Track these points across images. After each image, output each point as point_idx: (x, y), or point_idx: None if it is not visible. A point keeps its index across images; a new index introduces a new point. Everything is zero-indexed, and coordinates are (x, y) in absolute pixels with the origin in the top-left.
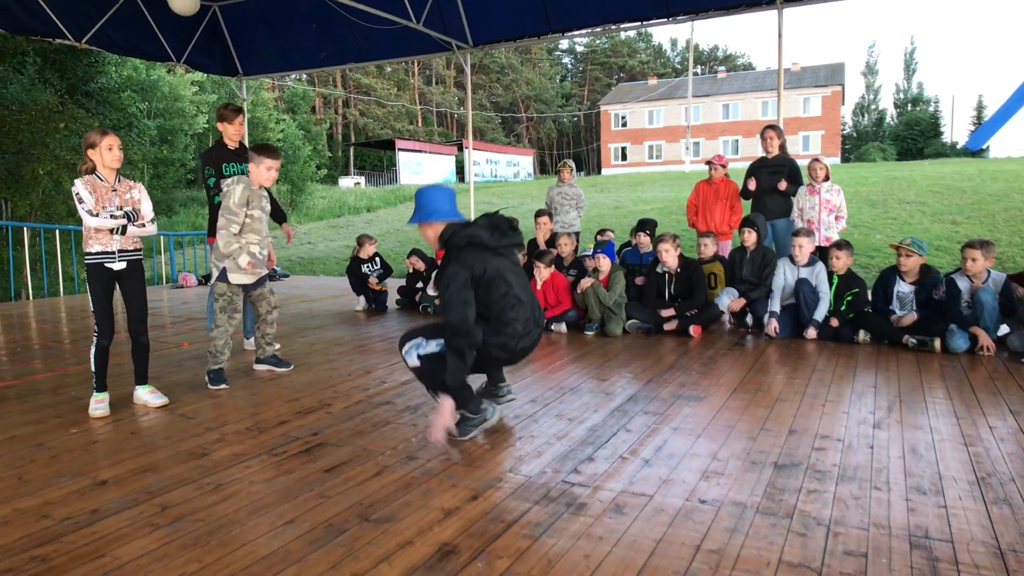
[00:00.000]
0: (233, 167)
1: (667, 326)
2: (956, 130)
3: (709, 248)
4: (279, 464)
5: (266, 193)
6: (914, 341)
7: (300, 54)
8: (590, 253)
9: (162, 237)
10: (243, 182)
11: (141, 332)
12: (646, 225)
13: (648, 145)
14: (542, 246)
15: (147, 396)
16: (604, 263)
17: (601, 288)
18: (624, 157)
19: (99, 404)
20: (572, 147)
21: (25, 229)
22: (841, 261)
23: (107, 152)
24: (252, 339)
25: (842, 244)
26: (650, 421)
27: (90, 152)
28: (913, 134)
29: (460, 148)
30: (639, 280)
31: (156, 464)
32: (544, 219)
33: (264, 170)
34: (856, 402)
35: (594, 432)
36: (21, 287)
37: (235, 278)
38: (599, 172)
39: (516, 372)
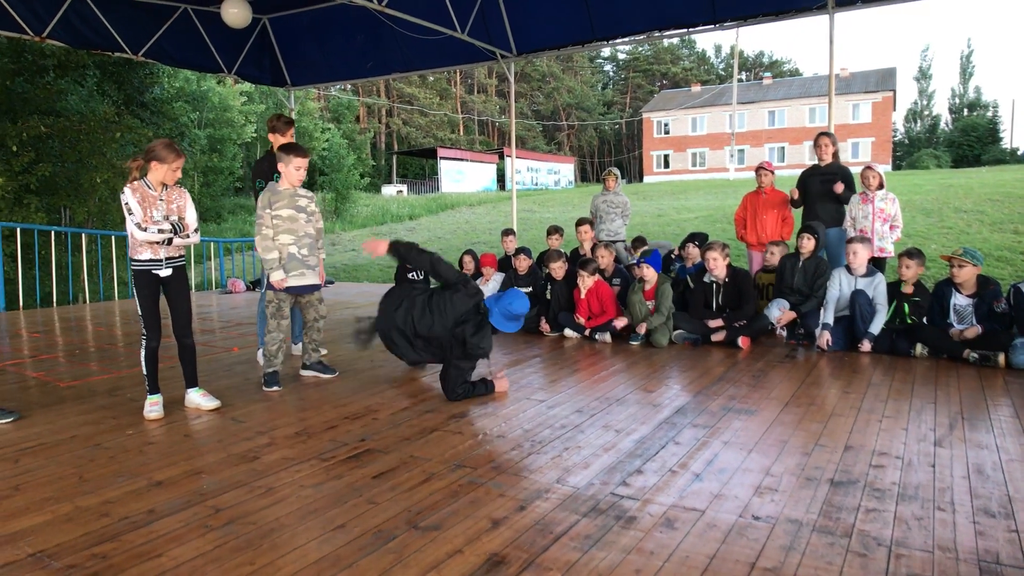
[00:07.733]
0: None
1: (715, 337)
2: (1017, 135)
3: (775, 256)
4: (328, 469)
5: (306, 194)
6: (976, 356)
7: (346, 64)
8: (635, 262)
9: (212, 244)
10: (268, 186)
11: (186, 335)
12: (696, 238)
13: (691, 152)
14: (586, 254)
15: (199, 399)
16: (649, 273)
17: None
18: (667, 165)
19: (153, 406)
20: (614, 155)
21: (83, 235)
22: (912, 271)
23: (171, 172)
24: (300, 344)
25: (913, 252)
26: (699, 434)
27: (154, 164)
28: (970, 140)
29: (501, 156)
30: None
31: (209, 467)
32: (585, 227)
33: (293, 169)
34: (915, 418)
35: (642, 444)
36: (79, 291)
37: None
38: (641, 180)
39: (560, 381)
